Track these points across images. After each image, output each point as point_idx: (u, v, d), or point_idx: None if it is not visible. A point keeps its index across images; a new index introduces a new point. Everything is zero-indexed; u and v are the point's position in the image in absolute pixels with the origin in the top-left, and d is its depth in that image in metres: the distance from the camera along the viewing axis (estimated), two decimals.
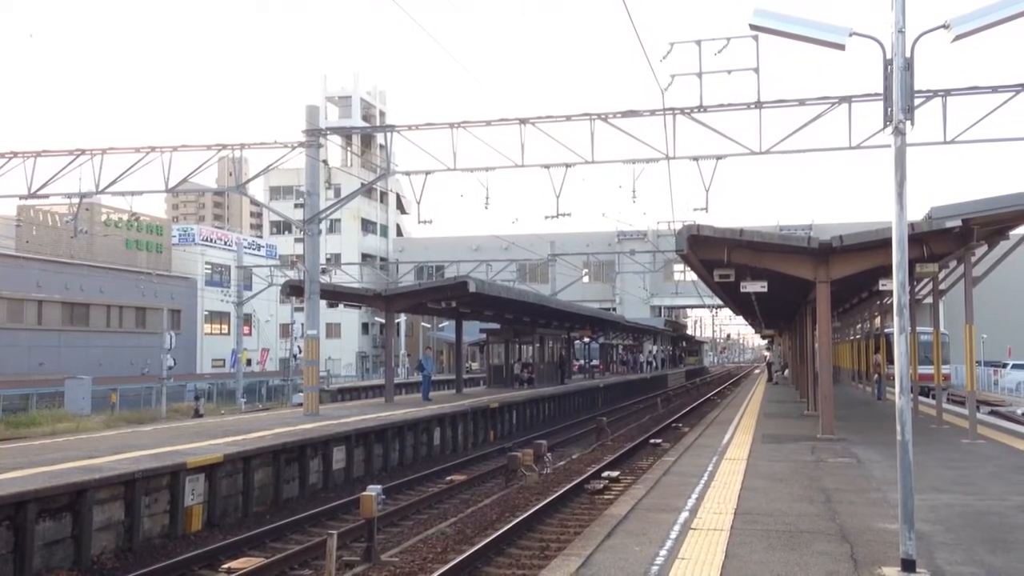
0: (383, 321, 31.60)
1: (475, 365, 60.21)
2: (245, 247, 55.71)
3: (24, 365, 41.49)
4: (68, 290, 45.74)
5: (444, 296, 25.29)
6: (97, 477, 10.40)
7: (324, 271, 42.47)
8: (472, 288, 22.88)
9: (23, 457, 12.32)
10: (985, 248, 15.06)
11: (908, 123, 6.33)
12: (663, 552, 7.00)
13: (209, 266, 57.16)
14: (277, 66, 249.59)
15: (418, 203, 21.54)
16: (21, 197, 22.42)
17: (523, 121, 19.36)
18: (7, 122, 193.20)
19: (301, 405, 22.14)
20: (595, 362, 52.89)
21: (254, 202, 54.87)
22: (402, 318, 54.14)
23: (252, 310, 53.12)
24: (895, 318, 6.34)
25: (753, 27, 7.02)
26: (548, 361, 37.59)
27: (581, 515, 12.61)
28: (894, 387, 6.49)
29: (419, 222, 23.06)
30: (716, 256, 14.93)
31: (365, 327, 71.92)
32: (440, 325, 59.51)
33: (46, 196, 22.79)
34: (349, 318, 68.93)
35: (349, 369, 65.59)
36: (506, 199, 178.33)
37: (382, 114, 74.39)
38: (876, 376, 27.27)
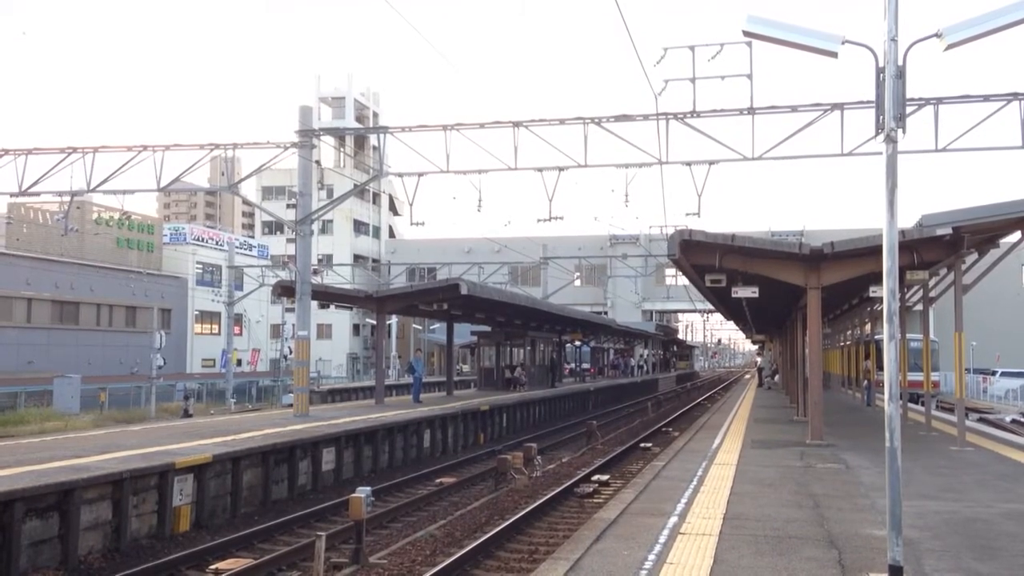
0: (374, 323, 31.56)
1: (466, 367, 60.16)
2: (236, 247, 55.60)
3: (13, 363, 41.27)
4: (58, 288, 45.54)
5: (436, 298, 25.26)
6: (85, 477, 10.36)
7: (316, 272, 42.35)
8: (464, 290, 22.87)
9: (10, 456, 12.25)
10: (975, 256, 15.15)
11: (900, 131, 6.35)
12: (652, 556, 7.00)
13: (200, 266, 57.02)
14: (271, 66, 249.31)
15: (410, 205, 21.60)
16: (12, 194, 22.42)
17: (516, 124, 19.39)
18: None
19: (291, 406, 22.05)
20: (586, 366, 52.95)
21: (246, 202, 54.84)
22: (393, 320, 54.07)
23: (243, 310, 53.02)
24: (885, 325, 6.35)
25: (747, 34, 7.03)
26: (539, 364, 37.60)
27: (570, 519, 12.59)
28: (883, 393, 6.50)
29: (411, 224, 23.08)
30: (708, 261, 14.95)
31: (356, 328, 71.82)
32: (431, 327, 59.42)
33: (37, 194, 22.77)
34: (340, 319, 68.84)
35: (340, 370, 65.46)
36: (499, 202, 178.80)
37: (375, 115, 74.31)
38: (866, 382, 27.37)
